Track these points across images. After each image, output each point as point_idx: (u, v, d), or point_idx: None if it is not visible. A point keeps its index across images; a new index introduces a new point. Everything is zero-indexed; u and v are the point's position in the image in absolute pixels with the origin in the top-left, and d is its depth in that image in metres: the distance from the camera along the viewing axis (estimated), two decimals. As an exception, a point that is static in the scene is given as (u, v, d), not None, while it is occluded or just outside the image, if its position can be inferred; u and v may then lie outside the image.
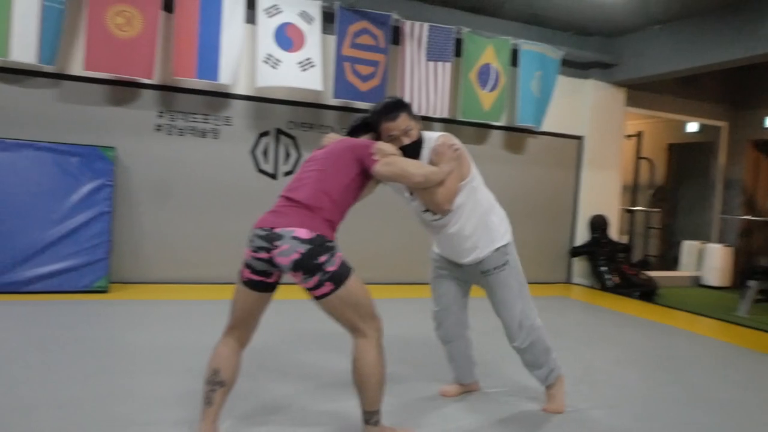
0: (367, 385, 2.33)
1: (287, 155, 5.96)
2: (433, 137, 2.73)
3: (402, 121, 2.62)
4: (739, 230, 8.47)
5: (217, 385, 2.31)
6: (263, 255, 2.26)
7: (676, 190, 9.55)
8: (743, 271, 7.52)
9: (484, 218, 2.80)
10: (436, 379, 3.27)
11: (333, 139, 2.68)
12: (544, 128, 7.02)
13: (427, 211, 2.75)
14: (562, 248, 7.43)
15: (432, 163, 2.65)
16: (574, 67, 7.25)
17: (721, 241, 8.49)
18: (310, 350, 3.72)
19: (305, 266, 2.21)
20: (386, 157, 2.46)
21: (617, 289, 6.94)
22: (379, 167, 2.44)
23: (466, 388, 3.13)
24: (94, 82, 5.23)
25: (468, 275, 2.92)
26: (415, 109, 5.90)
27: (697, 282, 8.35)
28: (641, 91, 7.72)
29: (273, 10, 5.52)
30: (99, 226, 5.02)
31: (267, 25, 5.49)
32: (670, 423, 2.93)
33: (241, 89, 5.69)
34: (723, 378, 3.77)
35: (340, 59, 5.82)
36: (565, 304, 6.16)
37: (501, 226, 2.88)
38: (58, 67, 5.00)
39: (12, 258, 4.76)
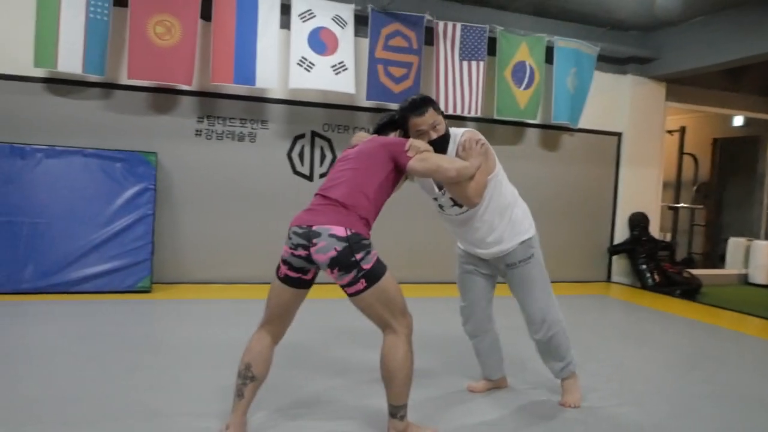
0: (395, 380, 2.37)
1: (323, 157, 6.07)
2: (458, 133, 2.79)
3: (429, 116, 2.67)
4: (789, 226, 8.19)
5: (249, 379, 2.39)
6: (302, 252, 2.33)
7: (721, 186, 9.29)
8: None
9: (508, 212, 2.85)
10: (466, 375, 3.30)
11: (362, 137, 2.74)
12: (582, 125, 6.95)
13: (454, 205, 2.79)
14: (602, 246, 7.32)
15: (459, 158, 2.70)
16: (611, 62, 7.14)
17: (769, 237, 8.22)
18: (346, 347, 3.80)
19: (342, 263, 2.27)
20: (420, 154, 2.52)
21: (658, 288, 6.80)
22: (413, 163, 2.49)
23: (495, 384, 3.15)
24: (136, 90, 5.45)
25: (493, 269, 2.96)
26: (449, 109, 6.07)
27: (743, 280, 8.10)
28: (683, 86, 7.54)
29: (307, 15, 5.63)
30: (142, 229, 5.21)
31: (301, 30, 5.60)
32: (699, 421, 2.88)
33: (276, 93, 5.82)
34: (763, 377, 3.68)
35: (373, 61, 5.89)
36: (603, 303, 6.08)
37: (525, 219, 2.92)
38: (105, 77, 5.20)
39: (62, 259, 4.99)
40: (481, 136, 2.78)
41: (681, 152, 9.02)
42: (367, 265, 2.30)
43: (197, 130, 5.67)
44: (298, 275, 2.40)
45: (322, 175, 6.03)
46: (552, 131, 6.98)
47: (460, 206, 2.79)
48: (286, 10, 5.58)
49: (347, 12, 5.76)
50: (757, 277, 7.92)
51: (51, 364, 3.22)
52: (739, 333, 4.94)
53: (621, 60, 7.18)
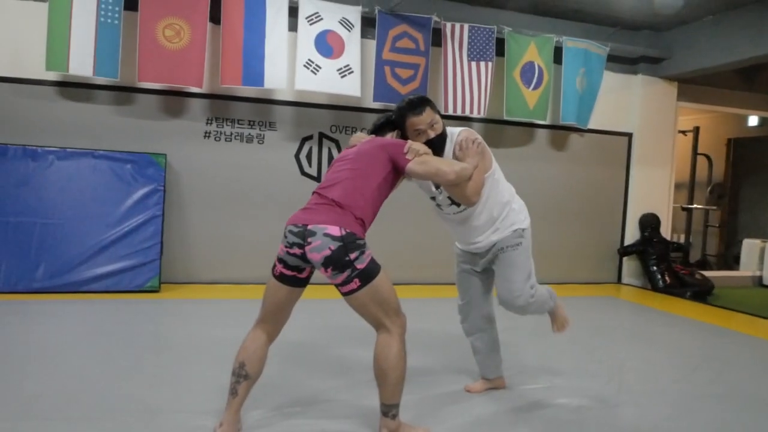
0: (388, 379, 2.39)
1: (330, 158, 6.10)
2: (455, 132, 2.81)
3: (427, 115, 2.69)
4: (806, 228, 8.06)
5: (242, 377, 2.43)
6: (296, 251, 2.36)
7: (736, 186, 9.17)
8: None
9: (506, 209, 2.88)
10: (465, 376, 3.30)
11: (361, 138, 2.77)
12: (592, 125, 6.91)
13: (452, 204, 2.81)
14: (612, 248, 7.27)
15: (456, 157, 2.72)
16: (621, 62, 7.09)
17: (785, 239, 8.10)
18: (344, 347, 3.82)
19: (336, 262, 2.30)
20: (419, 156, 2.54)
21: (669, 290, 6.73)
22: (412, 166, 2.51)
23: (492, 384, 3.15)
24: (146, 93, 5.53)
25: (487, 262, 2.95)
26: (457, 110, 6.08)
27: (758, 282, 7.98)
28: (695, 85, 7.47)
29: (314, 18, 5.67)
30: (151, 229, 5.29)
31: (308, 33, 5.64)
32: (697, 422, 2.86)
33: (284, 95, 5.87)
34: (769, 380, 3.64)
35: (380, 63, 5.92)
36: (611, 304, 6.04)
37: (521, 212, 2.95)
38: (116, 80, 5.27)
39: (73, 259, 5.08)
40: (478, 136, 2.80)
41: (695, 152, 8.92)
42: (361, 265, 2.32)
43: (206, 132, 5.74)
44: (293, 274, 2.43)
45: (329, 176, 6.05)
46: (562, 132, 6.95)
47: (458, 205, 2.81)
48: (293, 12, 5.62)
49: (354, 14, 5.80)
50: (772, 279, 7.81)
51: (56, 362, 3.28)
52: (750, 336, 4.88)
53: (631, 60, 7.13)
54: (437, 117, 2.74)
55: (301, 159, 6.03)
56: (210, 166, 5.74)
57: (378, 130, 2.85)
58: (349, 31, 5.76)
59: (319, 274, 2.43)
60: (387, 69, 5.94)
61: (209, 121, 5.75)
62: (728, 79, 7.51)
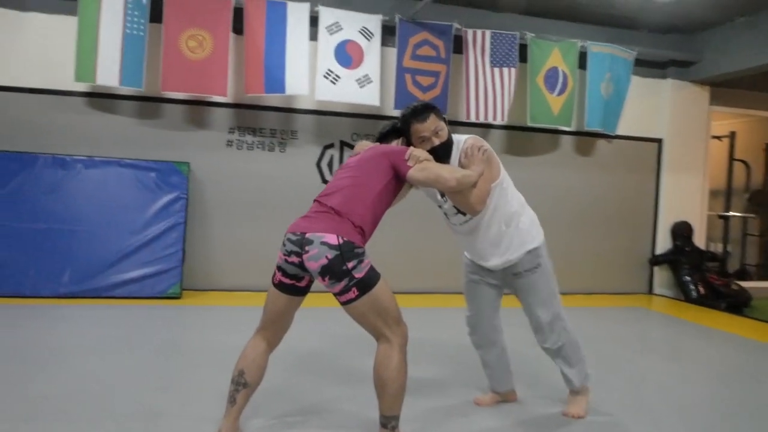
0: (387, 390, 2.35)
1: (352, 166, 6.10)
2: (461, 139, 2.76)
3: (431, 122, 2.66)
4: None
5: (241, 385, 2.42)
6: (295, 259, 2.35)
7: (776, 193, 8.81)
8: None
9: (515, 220, 2.79)
10: (475, 388, 3.24)
11: (365, 145, 2.75)
12: (620, 131, 6.76)
13: (458, 213, 2.76)
14: (643, 257, 7.07)
15: (462, 165, 2.67)
16: (650, 66, 6.92)
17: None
18: (353, 356, 3.79)
19: (333, 271, 2.28)
20: (420, 163, 2.50)
21: (703, 301, 6.50)
22: (413, 173, 2.48)
23: (502, 397, 3.08)
24: (171, 103, 5.64)
25: (499, 279, 2.90)
26: (480, 117, 6.02)
27: (800, 293, 7.64)
28: (729, 89, 7.24)
29: (334, 28, 5.70)
30: (174, 236, 5.37)
31: (328, 42, 5.67)
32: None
33: (305, 104, 5.91)
34: (800, 396, 3.46)
35: (401, 71, 5.90)
36: (640, 316, 5.86)
37: (532, 228, 2.84)
38: (142, 90, 5.38)
39: (97, 265, 5.19)
40: (485, 143, 2.74)
41: (731, 158, 8.62)
42: (359, 274, 2.29)
43: (228, 141, 5.81)
44: (292, 282, 2.41)
45: (350, 184, 6.06)
46: (589, 138, 6.81)
47: (464, 214, 2.76)
48: (314, 22, 5.66)
49: (374, 23, 5.80)
50: (815, 290, 7.46)
51: (68, 365, 3.34)
52: (785, 349, 4.68)
53: (660, 64, 6.96)
54: (442, 124, 2.71)
55: (323, 167, 6.05)
56: (232, 174, 5.80)
57: (383, 137, 2.84)
58: (369, 40, 5.77)
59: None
60: (408, 77, 5.93)
61: (232, 130, 5.82)
62: (764, 82, 7.25)
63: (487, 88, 6.13)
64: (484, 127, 6.37)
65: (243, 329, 4.33)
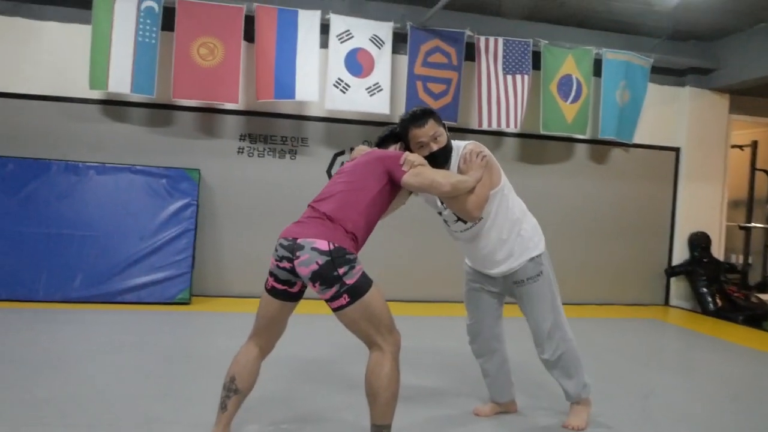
0: (379, 399, 2.31)
1: (362, 174, 6.08)
2: (461, 145, 2.72)
3: (430, 128, 2.62)
4: None
5: (233, 392, 2.40)
6: (286, 264, 2.33)
7: (800, 204, 8.59)
8: None
9: (516, 227, 2.75)
10: (475, 398, 3.18)
11: (362, 150, 2.73)
12: (637, 140, 6.66)
13: (458, 220, 2.72)
14: (659, 268, 6.93)
15: (460, 170, 2.63)
16: (667, 74, 6.81)
17: None
18: (355, 364, 3.70)
19: (324, 277, 2.25)
20: (414, 168, 2.48)
21: (720, 313, 6.34)
22: (407, 178, 2.46)
23: (502, 408, 3.02)
24: (182, 110, 5.69)
25: (501, 287, 2.85)
26: (492, 125, 5.97)
27: (824, 307, 7.41)
28: (751, 97, 7.10)
29: (345, 36, 5.71)
30: (184, 242, 5.40)
31: (338, 51, 5.68)
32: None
33: (316, 111, 5.92)
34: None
35: (412, 78, 5.89)
36: (654, 327, 5.73)
37: (534, 235, 2.80)
38: (153, 98, 5.43)
39: (108, 271, 5.24)
40: (484, 149, 2.70)
41: (753, 168, 8.43)
42: (350, 280, 2.27)
43: (239, 148, 5.84)
44: (284, 288, 2.40)
45: (361, 192, 6.05)
46: (604, 146, 6.71)
47: (465, 221, 2.72)
48: (325, 29, 5.68)
49: (385, 30, 5.80)
50: (840, 303, 7.24)
51: (72, 369, 3.36)
52: (803, 364, 4.53)
53: (678, 71, 6.85)
54: (441, 130, 2.67)
55: (333, 174, 6.03)
56: (243, 181, 5.83)
57: (382, 142, 2.82)
58: (380, 48, 5.77)
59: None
60: (419, 84, 5.91)
61: (242, 138, 5.85)
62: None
63: (500, 96, 6.08)
64: (496, 135, 6.33)
65: (247, 336, 4.35)
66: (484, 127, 6.04)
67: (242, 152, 5.86)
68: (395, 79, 5.90)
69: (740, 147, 8.21)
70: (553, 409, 3.09)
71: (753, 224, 8.41)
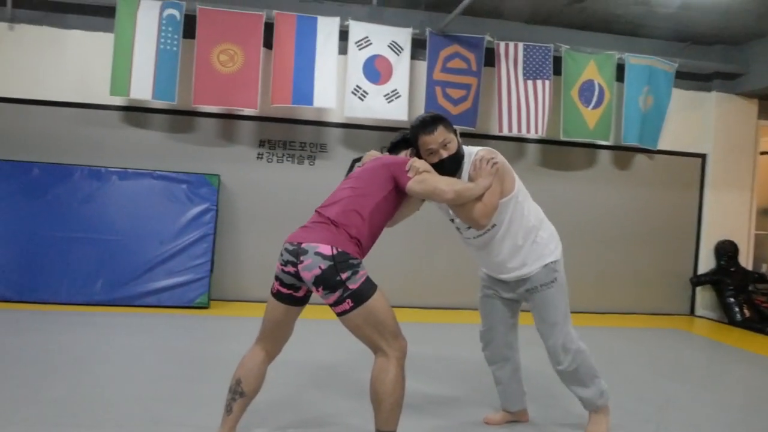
0: (383, 405, 2.30)
1: (381, 179, 6.08)
2: (473, 152, 2.68)
3: (439, 135, 2.59)
4: None
5: (238, 395, 2.41)
6: (290, 269, 2.34)
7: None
8: None
9: (532, 234, 2.70)
10: (486, 406, 3.13)
11: (373, 156, 2.73)
12: (661, 146, 6.54)
13: (470, 228, 2.69)
14: (684, 277, 6.77)
15: (470, 177, 2.60)
16: (693, 79, 6.69)
17: None
18: (364, 370, 3.66)
19: (326, 282, 2.25)
20: (419, 175, 2.46)
21: (748, 324, 6.17)
22: (411, 184, 2.44)
23: (513, 417, 2.97)
24: (203, 117, 5.77)
25: (515, 293, 2.80)
26: (513, 130, 5.92)
27: None
28: (781, 102, 6.93)
29: (363, 42, 5.73)
30: (203, 247, 5.46)
31: (357, 58, 5.71)
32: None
33: (334, 118, 5.94)
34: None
35: (431, 84, 5.88)
36: (679, 338, 5.59)
37: (550, 242, 2.75)
38: (174, 104, 5.51)
39: (129, 274, 5.31)
40: (498, 155, 2.64)
41: (784, 175, 8.20)
42: (353, 285, 2.26)
43: (258, 154, 5.89)
44: (289, 292, 2.40)
45: (379, 198, 6.05)
46: (628, 153, 6.60)
47: (476, 229, 2.68)
48: (344, 36, 5.70)
49: (404, 36, 5.80)
50: None
51: (88, 370, 3.41)
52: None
53: (704, 76, 6.71)
54: (451, 136, 2.63)
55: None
56: (262, 186, 5.87)
57: (393, 148, 2.81)
58: (398, 54, 5.78)
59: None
60: (438, 89, 5.89)
61: (262, 144, 5.90)
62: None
63: (520, 101, 6.03)
64: (517, 141, 6.27)
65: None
66: (504, 132, 6.00)
67: (261, 158, 5.90)
68: (414, 84, 5.90)
69: (769, 154, 7.99)
70: (566, 420, 3.03)
71: (785, 233, 8.17)
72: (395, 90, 5.74)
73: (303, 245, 2.30)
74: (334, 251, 2.25)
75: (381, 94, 5.71)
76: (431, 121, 2.63)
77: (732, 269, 6.50)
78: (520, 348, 2.95)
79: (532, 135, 6.08)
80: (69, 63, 5.57)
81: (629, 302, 6.60)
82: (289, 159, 5.96)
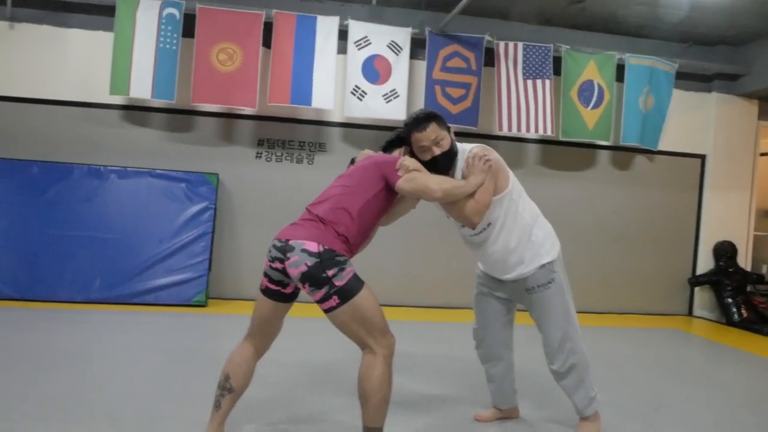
0: (370, 401, 2.31)
1: (379, 179, 6.09)
2: (467, 149, 2.68)
3: (432, 132, 2.58)
4: None
5: (227, 390, 2.43)
6: (278, 265, 2.35)
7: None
8: None
9: (526, 232, 2.69)
10: (478, 404, 3.14)
11: (366, 154, 2.74)
12: (661, 147, 6.53)
13: (465, 225, 2.69)
14: (682, 277, 6.76)
15: (463, 174, 2.60)
16: (694, 80, 6.68)
17: None
18: (356, 368, 3.73)
19: (313, 278, 2.26)
20: (409, 173, 2.47)
21: (746, 324, 6.15)
22: (401, 183, 2.45)
23: (504, 414, 2.98)
24: (201, 116, 5.79)
25: (511, 293, 2.81)
26: (513, 129, 5.92)
27: None
28: (781, 103, 6.91)
29: (363, 42, 5.74)
30: (201, 246, 5.48)
31: (356, 58, 5.72)
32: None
33: (333, 117, 5.95)
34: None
35: (431, 83, 5.88)
36: (676, 338, 5.59)
37: (546, 241, 2.73)
38: (173, 103, 5.54)
39: (127, 273, 5.34)
40: (491, 152, 2.64)
41: (785, 177, 8.18)
42: (339, 282, 2.27)
43: (257, 153, 5.91)
44: (277, 288, 2.42)
45: (377, 197, 6.07)
46: (627, 153, 6.59)
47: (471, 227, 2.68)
48: (343, 35, 5.72)
49: (403, 36, 5.81)
50: None
51: (83, 367, 3.43)
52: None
53: (705, 77, 6.70)
54: (444, 133, 2.63)
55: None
56: (260, 185, 5.89)
57: (388, 147, 2.82)
58: (397, 54, 5.79)
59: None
60: (437, 88, 5.90)
61: (261, 143, 5.92)
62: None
63: (520, 101, 6.03)
64: (517, 141, 6.28)
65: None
66: (504, 131, 6.00)
67: (260, 157, 5.92)
68: (413, 84, 5.91)
69: (770, 155, 7.97)
70: (556, 418, 3.03)
71: (785, 234, 8.14)
72: (394, 90, 5.75)
73: (290, 242, 2.32)
74: (321, 248, 2.27)
75: (380, 94, 5.73)
76: (424, 119, 2.63)
77: (731, 270, 6.49)
78: (515, 347, 2.95)
79: (532, 134, 6.09)
80: (69, 62, 5.60)
81: (628, 302, 6.59)
82: (287, 158, 5.98)
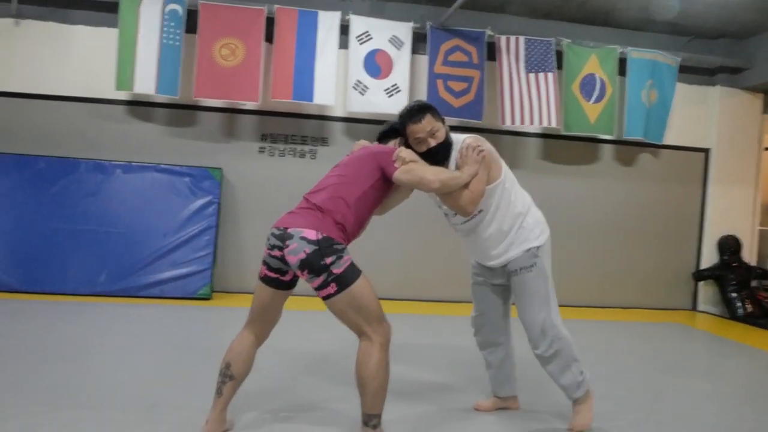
0: (368, 388, 2.34)
1: (382, 173, 6.12)
2: (460, 139, 2.70)
3: (427, 123, 2.62)
4: None
5: (228, 377, 2.46)
6: (276, 253, 2.39)
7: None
8: None
9: (518, 221, 2.73)
10: (479, 394, 3.17)
11: (361, 145, 2.77)
12: (664, 141, 6.51)
13: (456, 214, 2.72)
14: (686, 272, 6.75)
15: (457, 164, 2.63)
16: (697, 73, 6.66)
17: None
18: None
19: (311, 266, 2.30)
20: (405, 164, 2.49)
21: (750, 319, 6.14)
22: (398, 174, 2.48)
23: (503, 404, 3.00)
24: (205, 111, 5.83)
25: (502, 278, 2.83)
26: (516, 122, 5.92)
27: None
28: (786, 97, 6.88)
29: (364, 37, 5.77)
30: (205, 239, 5.53)
31: (358, 52, 5.75)
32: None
33: (335, 112, 5.98)
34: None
35: (432, 77, 5.90)
36: (680, 332, 5.58)
37: (536, 227, 2.76)
38: (177, 98, 5.58)
39: (132, 266, 5.39)
40: (484, 143, 2.68)
41: (790, 171, 8.14)
42: (337, 270, 2.30)
43: (261, 148, 5.95)
44: (276, 276, 2.45)
45: (380, 191, 6.09)
46: (631, 147, 6.58)
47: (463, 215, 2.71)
48: (344, 30, 5.74)
49: (405, 30, 5.83)
50: None
51: (90, 358, 3.48)
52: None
53: (709, 71, 6.68)
54: (439, 125, 2.66)
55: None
56: (264, 180, 5.93)
57: (383, 137, 2.84)
58: (399, 49, 5.81)
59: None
60: (440, 82, 5.92)
61: (264, 137, 5.96)
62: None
63: (523, 94, 6.04)
64: (520, 135, 6.29)
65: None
66: (507, 125, 6.01)
67: (263, 152, 5.96)
68: (415, 78, 5.93)
69: (775, 149, 7.94)
70: (556, 408, 3.04)
71: (790, 229, 8.11)
72: (395, 84, 5.77)
73: (289, 230, 2.34)
74: (319, 236, 2.29)
75: (381, 89, 5.75)
76: (419, 110, 2.66)
77: (735, 264, 6.48)
78: (513, 335, 2.97)
79: (536, 128, 6.10)
80: (73, 58, 5.65)
81: (631, 297, 6.59)
82: (290, 153, 6.01)
